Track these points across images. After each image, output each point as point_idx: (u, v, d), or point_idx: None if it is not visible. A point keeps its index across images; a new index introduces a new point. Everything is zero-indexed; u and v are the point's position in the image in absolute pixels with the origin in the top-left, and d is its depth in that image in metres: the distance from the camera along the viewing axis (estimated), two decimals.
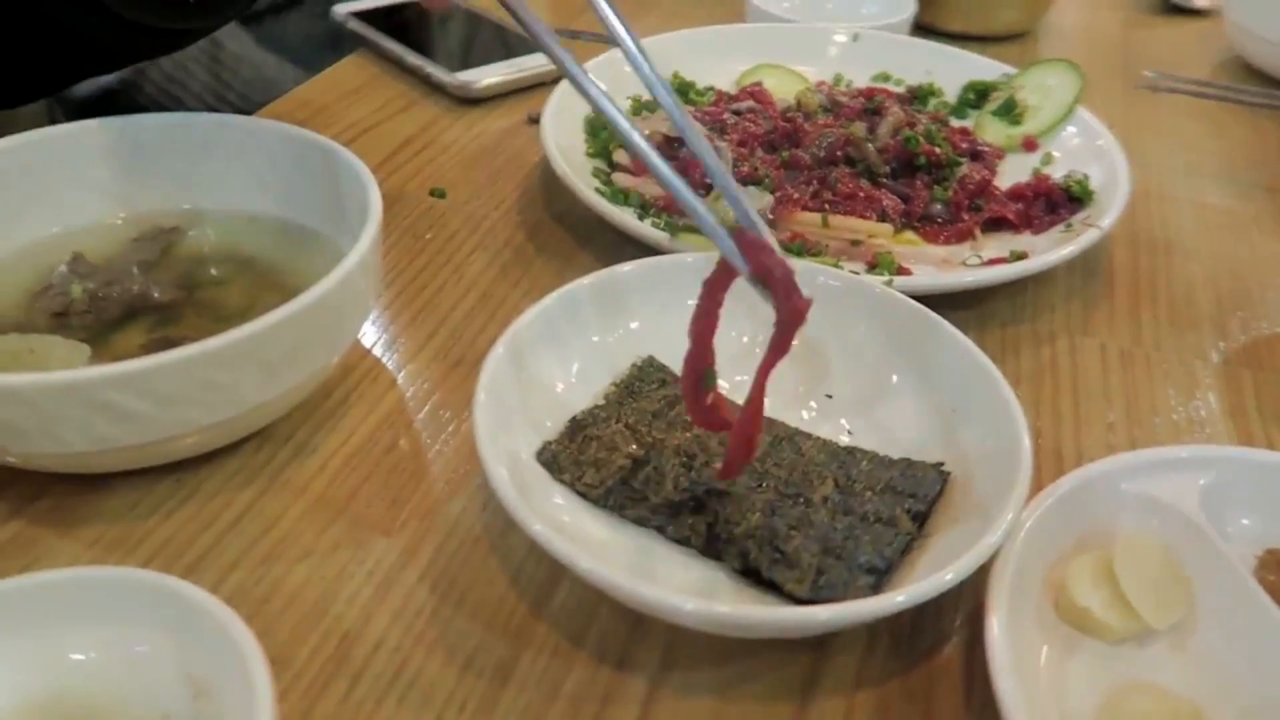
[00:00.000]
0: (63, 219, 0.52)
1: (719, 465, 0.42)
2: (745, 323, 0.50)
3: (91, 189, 0.52)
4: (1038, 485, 0.42)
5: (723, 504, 0.42)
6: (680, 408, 0.46)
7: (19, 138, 0.50)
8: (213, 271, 0.52)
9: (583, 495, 0.43)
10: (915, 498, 0.41)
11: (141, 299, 0.48)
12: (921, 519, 0.41)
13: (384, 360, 0.52)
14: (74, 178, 0.52)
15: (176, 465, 0.44)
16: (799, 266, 0.49)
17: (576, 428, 0.45)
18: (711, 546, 0.41)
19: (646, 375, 0.48)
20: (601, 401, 0.46)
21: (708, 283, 0.40)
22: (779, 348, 0.39)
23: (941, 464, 0.43)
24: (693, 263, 0.50)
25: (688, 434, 0.45)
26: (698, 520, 0.41)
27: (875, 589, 0.38)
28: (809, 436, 0.45)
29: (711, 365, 0.40)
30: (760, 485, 0.43)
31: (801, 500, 0.42)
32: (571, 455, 0.44)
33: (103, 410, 0.37)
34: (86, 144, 0.51)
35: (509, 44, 0.83)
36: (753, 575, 0.40)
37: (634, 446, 0.44)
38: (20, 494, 0.43)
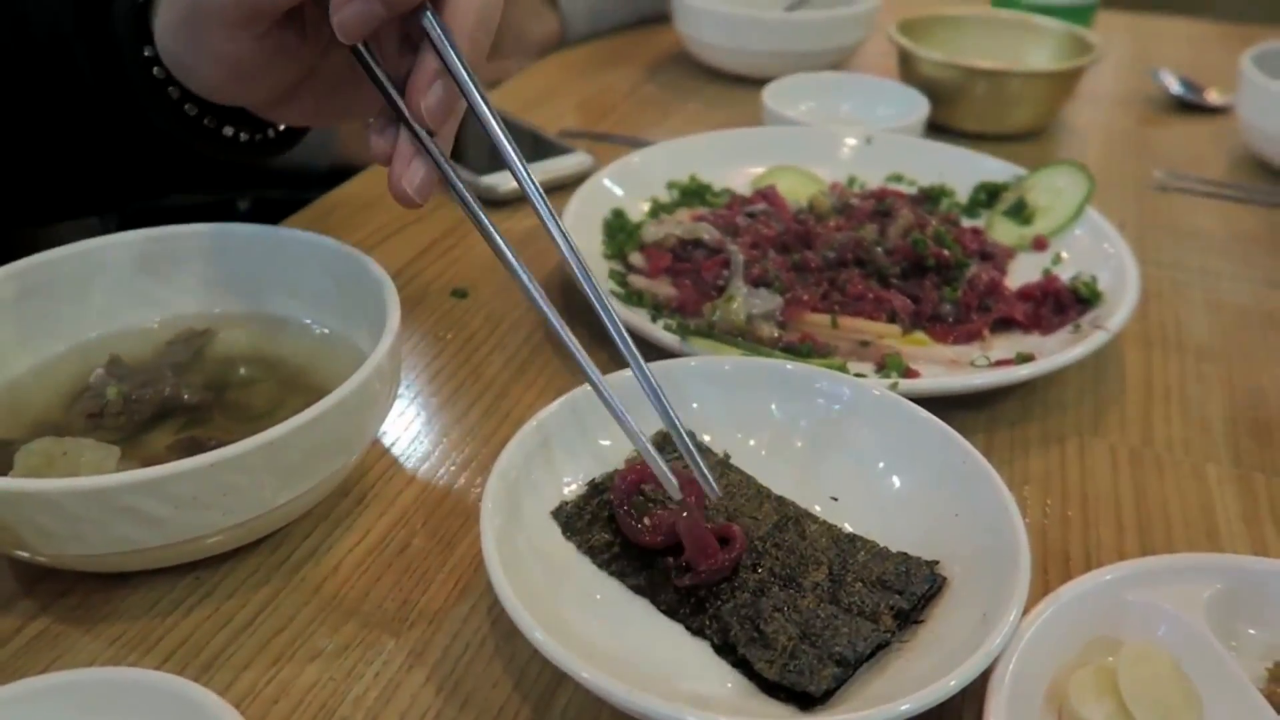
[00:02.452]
0: (102, 323, 0.55)
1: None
2: (758, 430, 0.51)
3: (131, 295, 0.55)
4: (1044, 588, 0.42)
5: (716, 584, 0.43)
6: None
7: (68, 249, 0.53)
8: (241, 373, 0.54)
9: (589, 556, 0.44)
10: (903, 595, 0.42)
11: (173, 400, 0.50)
12: (905, 617, 0.41)
13: (400, 460, 0.53)
14: (115, 285, 0.55)
15: (196, 564, 0.45)
16: (806, 370, 0.51)
17: (594, 490, 0.47)
18: (696, 619, 0.42)
19: (670, 446, 0.49)
20: (622, 467, 0.48)
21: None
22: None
23: (936, 563, 0.43)
24: (697, 365, 0.52)
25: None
26: (690, 596, 0.43)
27: (839, 680, 0.39)
28: (815, 520, 0.47)
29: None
30: (756, 566, 0.44)
31: (793, 585, 0.43)
32: (585, 517, 0.46)
33: (125, 514, 0.39)
34: (129, 254, 0.54)
35: (533, 148, 0.87)
36: (728, 650, 0.41)
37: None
38: (49, 590, 0.44)
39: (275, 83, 0.47)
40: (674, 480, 0.42)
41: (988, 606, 0.40)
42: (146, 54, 0.50)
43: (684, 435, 0.42)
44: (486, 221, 0.43)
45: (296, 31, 0.45)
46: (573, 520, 0.46)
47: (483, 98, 0.42)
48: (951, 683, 0.36)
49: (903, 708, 0.35)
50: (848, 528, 0.47)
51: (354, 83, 0.46)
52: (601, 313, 0.43)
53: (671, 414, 0.42)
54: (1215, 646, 0.40)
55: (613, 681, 0.35)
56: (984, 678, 0.37)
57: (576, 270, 0.43)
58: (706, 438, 0.51)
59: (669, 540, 0.44)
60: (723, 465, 0.49)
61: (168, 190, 0.61)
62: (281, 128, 0.57)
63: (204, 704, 0.34)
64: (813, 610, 0.41)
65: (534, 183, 0.43)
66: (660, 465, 0.42)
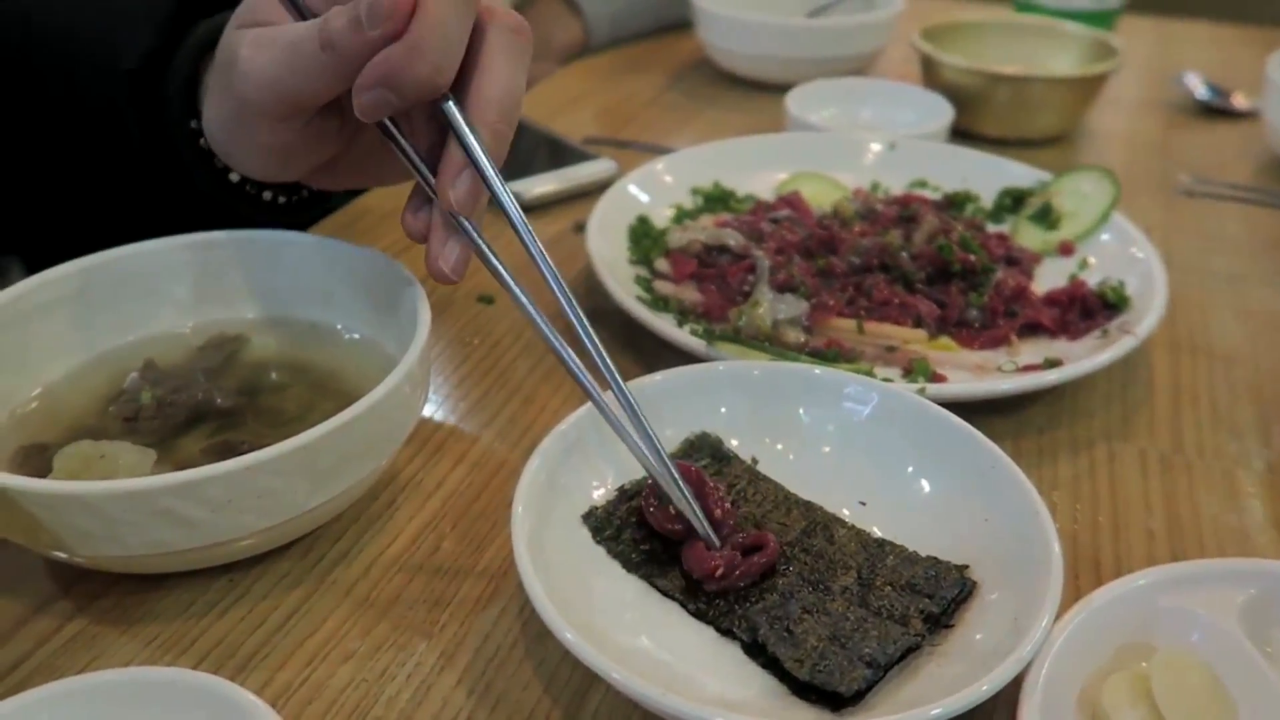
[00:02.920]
0: (137, 328, 0.55)
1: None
2: (786, 436, 0.51)
3: (165, 300, 0.56)
4: (1075, 594, 0.42)
5: (746, 586, 0.43)
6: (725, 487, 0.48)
7: (100, 257, 0.54)
8: (273, 377, 0.54)
9: (619, 560, 0.45)
10: (932, 599, 0.42)
11: (206, 404, 0.51)
12: (934, 621, 0.41)
13: (430, 464, 0.54)
14: (149, 290, 0.55)
15: (230, 566, 0.46)
16: (834, 375, 0.51)
17: (624, 496, 0.47)
18: (726, 619, 0.42)
19: (699, 448, 0.50)
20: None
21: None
22: None
23: (966, 567, 0.43)
24: (725, 370, 0.52)
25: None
26: (719, 598, 0.43)
27: (870, 683, 0.39)
28: (844, 525, 0.47)
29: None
30: (785, 570, 0.44)
31: (821, 588, 0.43)
32: (615, 522, 0.46)
33: (162, 516, 0.40)
34: (162, 260, 0.55)
35: (558, 155, 0.87)
36: (758, 651, 0.41)
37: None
38: (86, 592, 0.45)
39: (315, 161, 0.49)
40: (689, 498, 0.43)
41: (1020, 611, 0.40)
42: (194, 126, 0.52)
43: (675, 478, 0.43)
44: (519, 293, 0.44)
45: (334, 117, 0.46)
46: (603, 525, 0.46)
47: (503, 188, 0.43)
48: (984, 688, 0.36)
49: (934, 712, 0.35)
50: (877, 532, 0.47)
51: (384, 156, 0.48)
52: (586, 342, 0.45)
53: (658, 449, 0.44)
54: (1250, 652, 0.39)
55: (645, 683, 0.35)
56: (1016, 683, 0.37)
57: (562, 300, 0.45)
58: (734, 442, 0.51)
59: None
60: (750, 473, 0.49)
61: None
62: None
63: (244, 705, 0.34)
64: (842, 613, 0.42)
65: (547, 261, 0.45)
66: (678, 490, 0.43)
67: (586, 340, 0.44)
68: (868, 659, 0.39)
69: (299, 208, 0.60)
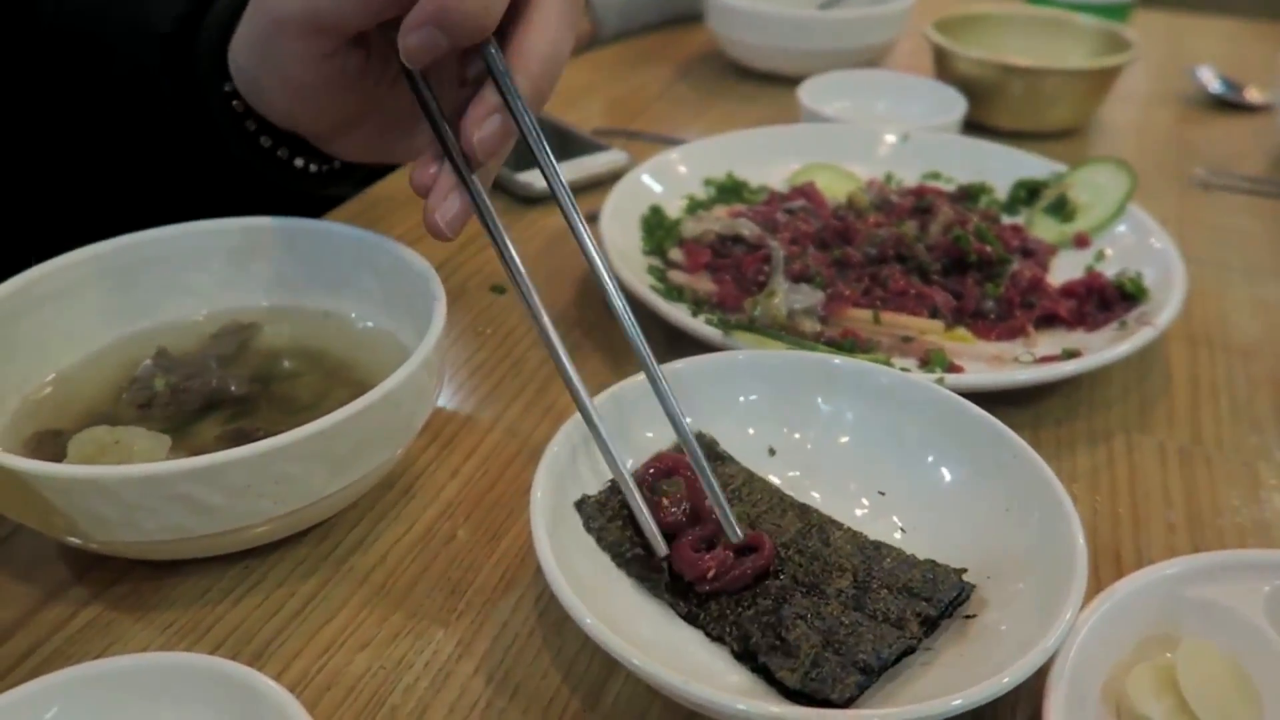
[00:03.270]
0: (150, 315, 0.55)
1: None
2: (804, 425, 0.51)
3: (177, 288, 0.55)
4: (1096, 587, 0.42)
5: (738, 590, 0.42)
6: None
7: (114, 243, 0.53)
8: (286, 366, 0.54)
9: (608, 553, 0.44)
10: (929, 602, 0.41)
11: (219, 392, 0.51)
12: (932, 624, 0.41)
13: (444, 452, 0.53)
14: (161, 279, 0.55)
15: (246, 553, 0.46)
16: (853, 365, 0.50)
17: (615, 489, 0.46)
18: (716, 625, 0.41)
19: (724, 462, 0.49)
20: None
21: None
22: None
23: (964, 570, 0.43)
24: (744, 359, 0.51)
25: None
26: (711, 601, 0.42)
27: (862, 688, 0.38)
28: (840, 527, 0.46)
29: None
30: (779, 573, 0.43)
31: (816, 592, 0.42)
32: (607, 513, 0.45)
33: (179, 501, 0.39)
34: (175, 248, 0.55)
35: (569, 146, 0.87)
36: (749, 659, 0.40)
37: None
38: (101, 579, 0.45)
39: (338, 109, 0.49)
40: (656, 531, 0.42)
41: (1042, 602, 0.40)
42: (227, 89, 0.52)
43: (706, 469, 0.43)
44: (519, 265, 0.44)
45: (361, 59, 0.46)
46: (594, 514, 0.45)
47: (540, 139, 0.42)
48: (1005, 679, 0.36)
49: (955, 703, 0.35)
50: (897, 521, 0.46)
51: (408, 126, 0.48)
52: (628, 327, 0.44)
53: (688, 435, 0.43)
54: (1275, 643, 0.39)
55: (666, 670, 0.35)
56: (1039, 675, 0.37)
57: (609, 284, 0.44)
58: (751, 431, 0.50)
59: (683, 521, 0.43)
60: (746, 474, 0.48)
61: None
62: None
63: (263, 691, 0.34)
64: (836, 617, 0.40)
65: (581, 223, 0.44)
66: (643, 511, 0.42)
67: (626, 321, 0.44)
68: (861, 664, 0.38)
69: (330, 178, 0.59)
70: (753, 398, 0.51)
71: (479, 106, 0.42)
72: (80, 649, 0.42)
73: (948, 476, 0.47)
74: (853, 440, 0.50)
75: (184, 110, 0.54)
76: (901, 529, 0.47)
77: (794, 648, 0.39)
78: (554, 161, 0.43)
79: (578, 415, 0.45)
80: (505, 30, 0.42)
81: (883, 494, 0.48)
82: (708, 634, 0.41)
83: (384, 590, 0.45)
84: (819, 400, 0.51)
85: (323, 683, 0.40)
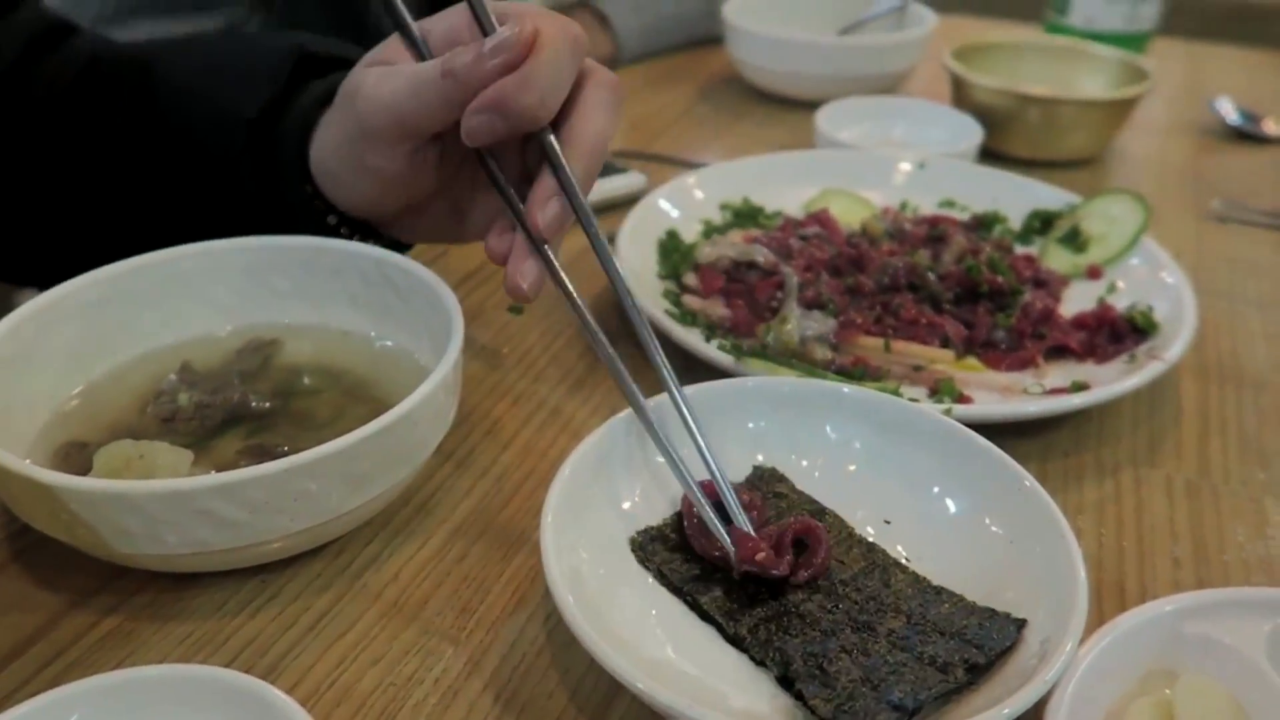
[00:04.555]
0: (175, 331, 0.57)
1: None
2: (812, 452, 0.51)
3: (203, 304, 0.57)
4: (1099, 620, 0.42)
5: (789, 619, 0.43)
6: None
7: (144, 259, 0.55)
8: (306, 382, 0.55)
9: (664, 579, 0.45)
10: (981, 649, 0.41)
11: (241, 407, 0.52)
12: (977, 671, 0.40)
13: (459, 471, 0.54)
14: (188, 294, 0.56)
15: (262, 567, 0.47)
16: (862, 394, 0.51)
17: (669, 524, 0.48)
18: (762, 650, 0.42)
19: (764, 479, 0.50)
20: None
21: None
22: None
23: (1024, 622, 0.42)
24: (754, 386, 0.52)
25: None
26: (761, 627, 0.42)
27: None
28: (904, 570, 0.45)
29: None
30: (833, 608, 0.43)
31: (867, 629, 0.42)
32: (669, 543, 0.47)
33: (201, 516, 0.40)
34: (201, 264, 0.56)
35: None
36: (787, 683, 0.41)
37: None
38: (124, 588, 0.46)
39: (411, 194, 0.53)
40: (719, 527, 0.45)
41: (1044, 635, 0.40)
42: (309, 190, 0.56)
43: (719, 474, 0.45)
44: (585, 313, 0.48)
45: (439, 148, 0.51)
46: (650, 548, 0.46)
47: (590, 215, 0.47)
48: (1005, 711, 0.36)
49: None
50: (901, 550, 0.47)
51: (467, 209, 0.54)
52: (648, 340, 0.49)
53: (707, 459, 0.47)
54: (1275, 682, 0.39)
55: (670, 693, 0.36)
56: (1038, 707, 0.37)
57: (625, 300, 0.49)
58: (760, 457, 0.51)
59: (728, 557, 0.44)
60: (816, 507, 0.49)
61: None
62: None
63: (277, 704, 0.35)
64: (882, 656, 0.41)
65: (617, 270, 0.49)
66: (706, 510, 0.45)
67: (650, 346, 0.48)
68: (895, 703, 0.38)
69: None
70: (762, 424, 0.52)
71: (539, 190, 0.46)
72: (101, 657, 0.43)
73: (953, 507, 0.48)
74: (860, 469, 0.51)
75: (262, 193, 0.57)
76: (906, 558, 0.47)
77: (833, 679, 0.39)
78: (602, 239, 0.48)
79: (586, 439, 0.46)
80: (558, 118, 0.47)
81: (888, 522, 0.49)
82: (751, 657, 0.42)
83: (396, 607, 0.46)
84: (828, 428, 0.51)
85: (334, 697, 0.41)
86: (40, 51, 0.60)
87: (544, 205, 0.46)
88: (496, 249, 0.48)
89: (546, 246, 0.47)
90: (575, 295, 0.47)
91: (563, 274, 0.47)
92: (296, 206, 0.56)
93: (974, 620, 0.42)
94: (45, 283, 0.52)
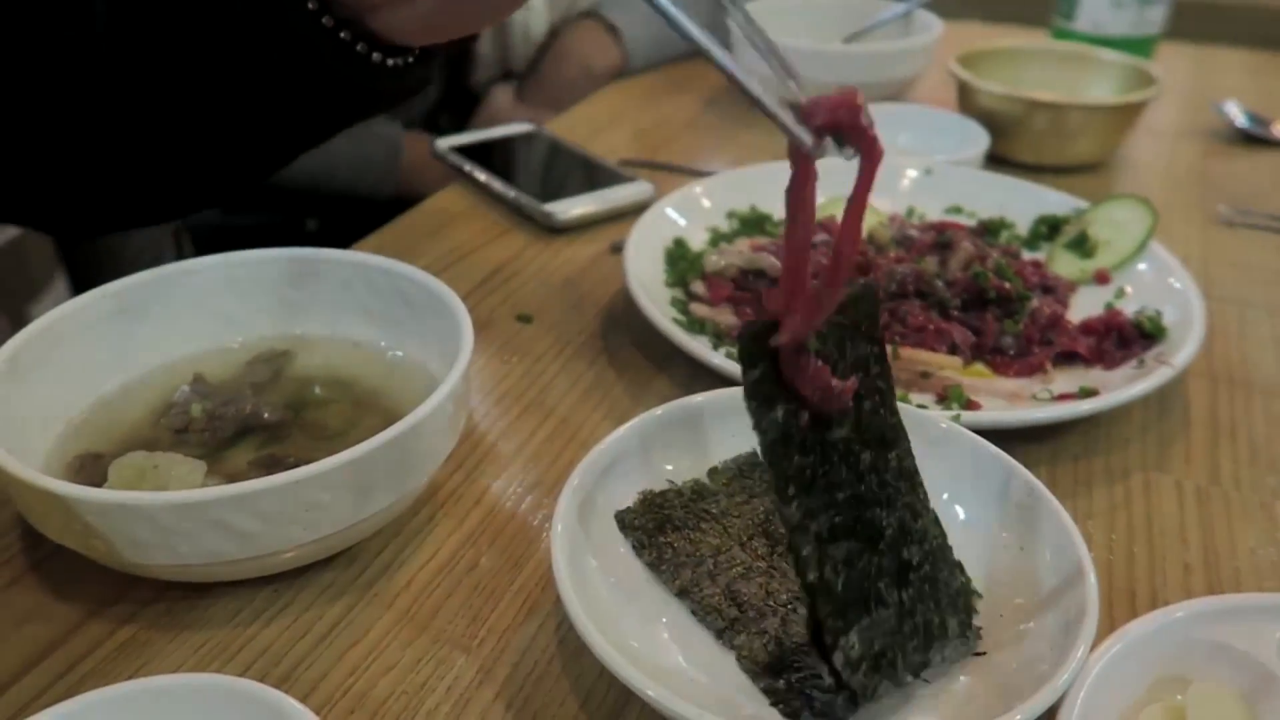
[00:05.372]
0: (188, 343, 0.57)
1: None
2: None
3: (214, 316, 0.57)
4: (1110, 626, 0.42)
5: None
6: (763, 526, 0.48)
7: (157, 271, 0.55)
8: (317, 393, 0.56)
9: (650, 567, 0.45)
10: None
11: (253, 418, 0.52)
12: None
13: (469, 480, 0.55)
14: (199, 306, 0.57)
15: (275, 577, 0.47)
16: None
17: (650, 500, 0.48)
18: (774, 692, 0.41)
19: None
20: (686, 491, 0.49)
21: (790, 189, 0.38)
22: (866, 184, 0.39)
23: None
24: None
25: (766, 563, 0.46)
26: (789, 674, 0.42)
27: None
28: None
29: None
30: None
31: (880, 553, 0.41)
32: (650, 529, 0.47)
33: (215, 527, 0.41)
34: (211, 276, 0.57)
35: (594, 176, 0.88)
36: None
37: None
38: (138, 598, 0.46)
39: None
40: (788, 114, 0.37)
41: (1054, 641, 0.40)
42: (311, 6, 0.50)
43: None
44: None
45: None
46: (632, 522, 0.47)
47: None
48: (1017, 717, 0.36)
49: None
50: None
51: None
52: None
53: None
54: None
55: (681, 702, 0.36)
56: (1050, 714, 0.37)
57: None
58: None
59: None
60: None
61: (245, 205, 0.64)
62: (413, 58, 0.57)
63: (292, 713, 0.35)
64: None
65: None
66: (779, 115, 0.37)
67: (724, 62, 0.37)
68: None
69: (402, 73, 0.56)
70: None
71: None
72: (117, 666, 0.43)
73: (962, 514, 0.48)
74: None
75: (260, 15, 0.50)
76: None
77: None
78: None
79: (596, 448, 0.47)
80: None
81: None
82: (786, 710, 0.40)
83: (408, 615, 0.46)
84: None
85: (347, 706, 0.42)
86: None
87: None
88: None
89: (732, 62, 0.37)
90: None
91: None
92: (305, 29, 0.51)
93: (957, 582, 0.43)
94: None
